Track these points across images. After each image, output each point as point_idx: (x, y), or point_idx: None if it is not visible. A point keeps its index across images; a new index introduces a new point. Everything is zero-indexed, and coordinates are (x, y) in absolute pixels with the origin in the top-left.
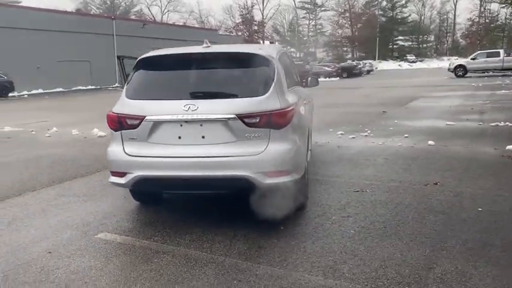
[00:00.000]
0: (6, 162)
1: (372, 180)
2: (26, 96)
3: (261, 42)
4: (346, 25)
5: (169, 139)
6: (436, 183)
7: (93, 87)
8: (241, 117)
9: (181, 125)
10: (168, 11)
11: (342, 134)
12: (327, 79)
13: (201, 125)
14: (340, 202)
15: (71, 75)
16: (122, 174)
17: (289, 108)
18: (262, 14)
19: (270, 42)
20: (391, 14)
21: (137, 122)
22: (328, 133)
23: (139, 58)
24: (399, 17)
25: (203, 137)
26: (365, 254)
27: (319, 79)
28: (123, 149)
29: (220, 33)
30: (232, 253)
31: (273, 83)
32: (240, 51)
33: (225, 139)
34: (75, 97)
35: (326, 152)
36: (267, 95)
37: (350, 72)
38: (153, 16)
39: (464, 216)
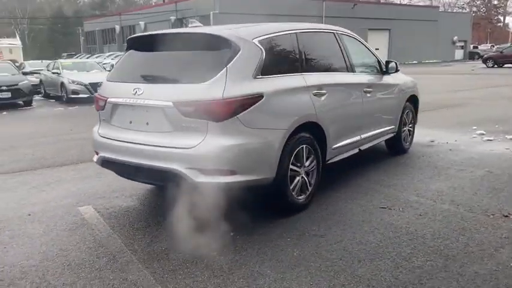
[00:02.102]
0: None
1: (424, 198)
2: None
3: (501, 19)
4: None
5: (123, 122)
6: (508, 216)
7: None
8: (177, 105)
9: (132, 109)
10: None
11: (480, 134)
12: None
13: (146, 111)
14: (340, 217)
15: None
16: (96, 153)
17: (234, 99)
18: None
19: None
20: None
21: (103, 103)
22: (466, 131)
23: (127, 38)
24: None
25: (147, 124)
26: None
27: None
28: (98, 129)
29: (445, 10)
30: (136, 250)
31: (225, 69)
32: (203, 32)
33: (164, 128)
34: None
35: (424, 155)
36: (209, 81)
37: None
38: None
39: (472, 270)
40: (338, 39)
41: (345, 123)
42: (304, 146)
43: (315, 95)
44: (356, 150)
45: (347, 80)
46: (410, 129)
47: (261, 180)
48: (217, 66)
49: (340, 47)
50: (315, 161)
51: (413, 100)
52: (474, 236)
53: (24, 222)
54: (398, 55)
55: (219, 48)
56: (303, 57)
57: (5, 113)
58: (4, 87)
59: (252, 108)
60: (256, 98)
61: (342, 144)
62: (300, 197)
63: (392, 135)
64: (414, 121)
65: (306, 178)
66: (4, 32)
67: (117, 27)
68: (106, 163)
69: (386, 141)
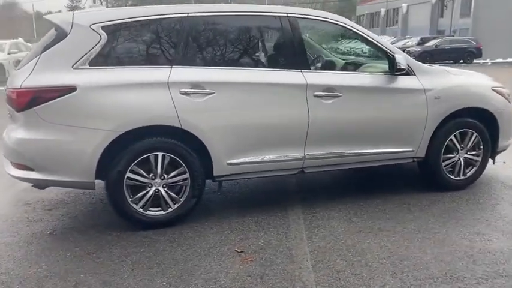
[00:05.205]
0: None
1: (302, 257)
2: (488, 63)
3: None
4: None
5: None
6: None
7: None
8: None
9: None
10: None
11: None
12: None
13: None
14: (165, 247)
15: None
16: None
17: (29, 89)
18: None
19: None
20: None
21: None
22: None
23: None
24: None
25: None
26: None
27: None
28: None
29: None
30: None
31: (38, 56)
32: (47, 17)
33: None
34: None
35: (481, 198)
36: (21, 69)
37: None
38: None
39: None
40: (286, 25)
41: (258, 135)
42: (161, 153)
43: (184, 93)
44: (292, 172)
45: (270, 79)
46: (475, 158)
47: (73, 183)
48: (39, 53)
49: (284, 37)
50: (187, 175)
51: (482, 116)
52: None
53: None
54: None
55: (53, 34)
56: (183, 46)
57: None
58: None
59: (55, 101)
60: (63, 90)
61: (250, 161)
62: (151, 213)
63: (409, 160)
64: (486, 147)
65: (164, 192)
66: None
67: (383, 10)
68: None
69: (420, 168)
